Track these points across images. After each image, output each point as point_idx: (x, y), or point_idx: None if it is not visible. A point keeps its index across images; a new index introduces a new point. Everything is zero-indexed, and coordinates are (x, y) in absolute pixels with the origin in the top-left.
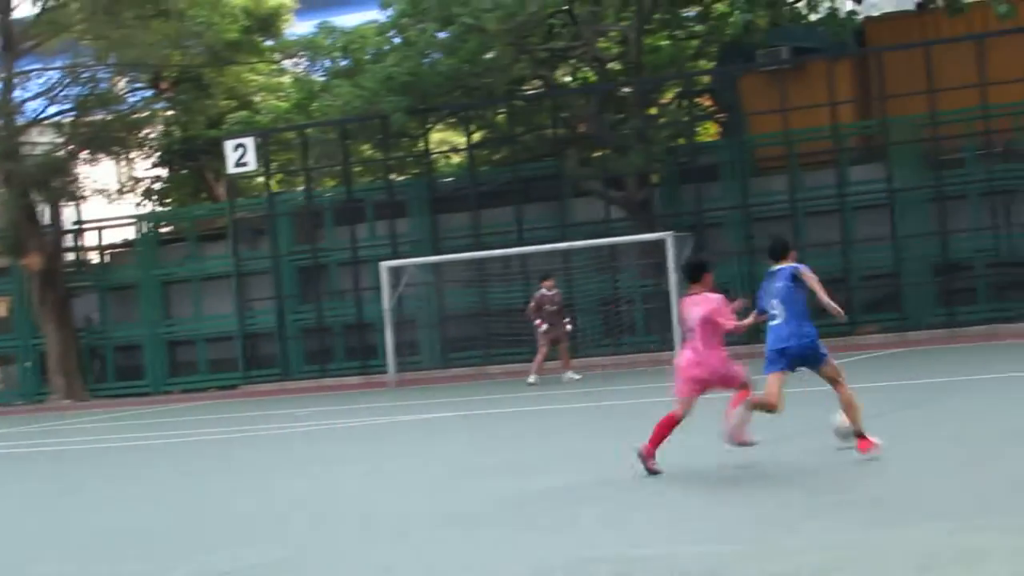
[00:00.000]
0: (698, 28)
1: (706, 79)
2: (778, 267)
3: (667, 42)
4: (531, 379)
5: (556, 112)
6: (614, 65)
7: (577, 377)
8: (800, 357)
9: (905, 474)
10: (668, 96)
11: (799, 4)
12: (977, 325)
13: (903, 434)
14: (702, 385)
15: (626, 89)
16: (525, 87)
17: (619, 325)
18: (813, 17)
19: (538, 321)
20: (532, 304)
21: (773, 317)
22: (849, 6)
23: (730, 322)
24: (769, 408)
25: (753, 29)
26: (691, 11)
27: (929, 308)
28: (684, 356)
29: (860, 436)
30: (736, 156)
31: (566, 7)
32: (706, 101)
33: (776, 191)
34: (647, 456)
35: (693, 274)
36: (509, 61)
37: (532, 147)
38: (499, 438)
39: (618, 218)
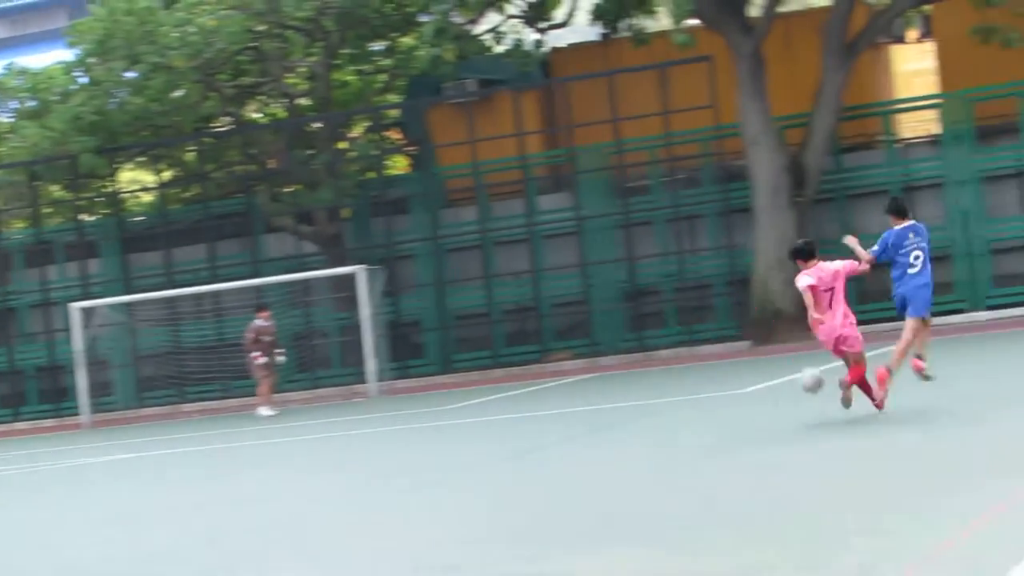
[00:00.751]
0: (386, 62)
1: (395, 113)
2: (910, 224)
3: (355, 77)
4: (266, 412)
5: (246, 149)
6: (303, 100)
7: (275, 413)
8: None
9: (588, 499)
10: (358, 130)
11: (485, 37)
12: (666, 349)
13: (595, 459)
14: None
15: (316, 124)
16: (214, 124)
17: (314, 359)
18: (499, 49)
19: (255, 353)
20: (251, 335)
21: (912, 266)
22: (535, 37)
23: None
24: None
25: (440, 63)
26: (378, 45)
27: (619, 333)
28: (830, 321)
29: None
30: (426, 188)
31: (254, 44)
32: (395, 134)
33: (466, 222)
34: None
35: (808, 252)
36: (197, 99)
37: (223, 184)
38: (177, 479)
39: (310, 253)
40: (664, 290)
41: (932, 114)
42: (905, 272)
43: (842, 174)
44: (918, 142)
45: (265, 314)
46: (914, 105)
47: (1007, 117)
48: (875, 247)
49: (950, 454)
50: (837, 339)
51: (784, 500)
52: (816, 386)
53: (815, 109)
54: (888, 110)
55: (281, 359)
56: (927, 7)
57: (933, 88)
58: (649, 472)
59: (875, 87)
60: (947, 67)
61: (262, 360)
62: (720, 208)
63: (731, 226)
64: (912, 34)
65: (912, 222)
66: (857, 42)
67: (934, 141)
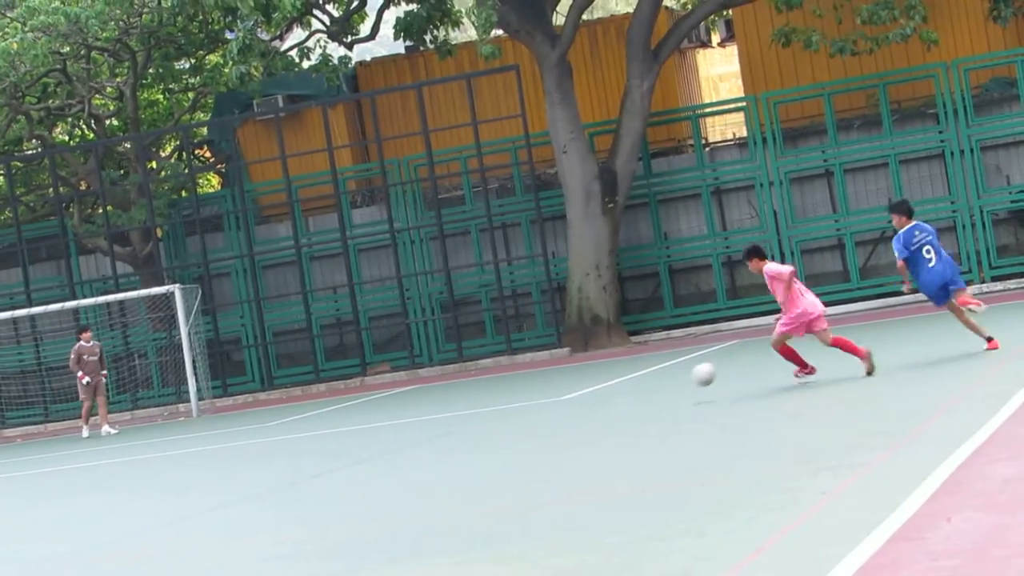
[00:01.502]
0: (193, 80)
1: (204, 131)
2: (914, 224)
3: (163, 96)
4: (85, 433)
5: (56, 171)
6: (112, 121)
7: (114, 431)
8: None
9: (419, 509)
10: (168, 149)
11: (291, 52)
12: (486, 358)
13: (412, 471)
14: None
15: (125, 145)
16: (23, 147)
17: (134, 380)
18: (307, 64)
19: (80, 374)
20: (74, 356)
21: (928, 260)
22: (342, 52)
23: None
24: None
25: (248, 79)
26: (185, 64)
27: (438, 344)
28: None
29: (989, 339)
30: (238, 205)
31: (59, 66)
32: (206, 152)
33: (281, 237)
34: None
35: (761, 252)
36: (4, 122)
37: (34, 207)
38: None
39: (125, 273)
40: (482, 300)
41: (739, 117)
42: (924, 267)
43: (653, 179)
44: (726, 145)
45: (87, 335)
46: (721, 108)
47: (812, 118)
48: (897, 253)
49: (768, 449)
50: (814, 319)
51: (606, 503)
52: (710, 379)
53: (623, 115)
54: (696, 114)
55: (103, 380)
56: (729, 11)
57: (739, 91)
58: (468, 482)
59: (682, 91)
60: (751, 70)
61: (84, 380)
62: (533, 216)
63: (545, 234)
64: (716, 38)
65: (916, 222)
66: (661, 48)
67: (742, 144)
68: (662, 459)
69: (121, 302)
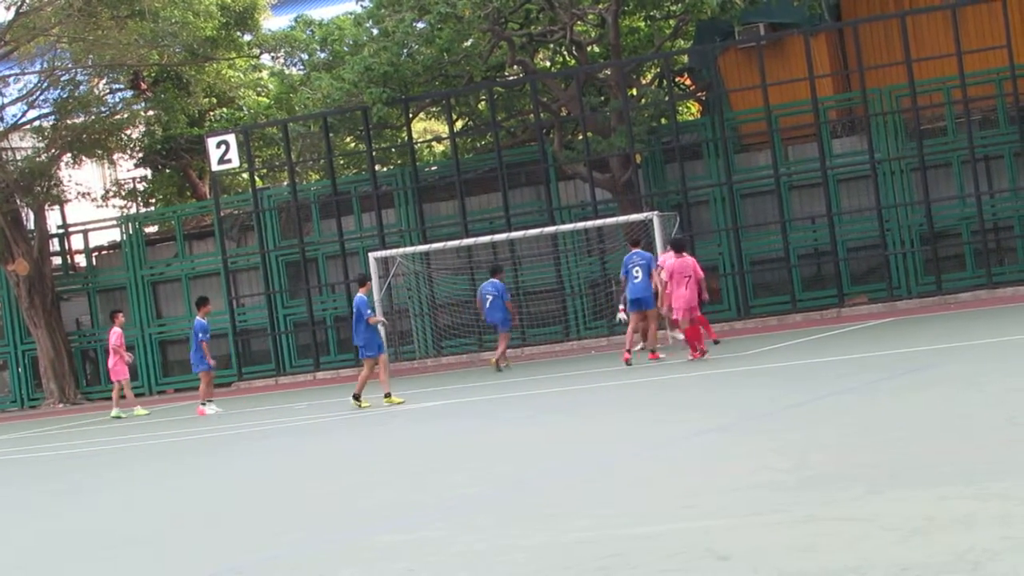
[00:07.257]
0: (674, 8)
1: (685, 58)
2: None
3: (644, 23)
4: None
5: (537, 97)
6: (593, 48)
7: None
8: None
9: (896, 442)
10: (648, 77)
11: None
12: (966, 291)
13: (892, 401)
14: None
15: (605, 71)
16: (505, 73)
17: (611, 307)
18: None
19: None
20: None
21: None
22: None
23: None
24: None
25: (730, 7)
26: None
27: (917, 276)
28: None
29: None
30: (718, 133)
31: None
32: (686, 80)
33: (760, 166)
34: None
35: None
36: (487, 48)
37: (515, 132)
38: (493, 423)
39: (604, 200)
40: (962, 232)
41: None
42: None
43: None
44: None
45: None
46: None
47: None
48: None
49: None
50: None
51: None
52: None
53: None
54: None
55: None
56: None
57: None
58: (946, 416)
59: None
60: None
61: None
62: (1017, 148)
63: None
64: None
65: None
66: None
67: None
68: None
69: (599, 228)
